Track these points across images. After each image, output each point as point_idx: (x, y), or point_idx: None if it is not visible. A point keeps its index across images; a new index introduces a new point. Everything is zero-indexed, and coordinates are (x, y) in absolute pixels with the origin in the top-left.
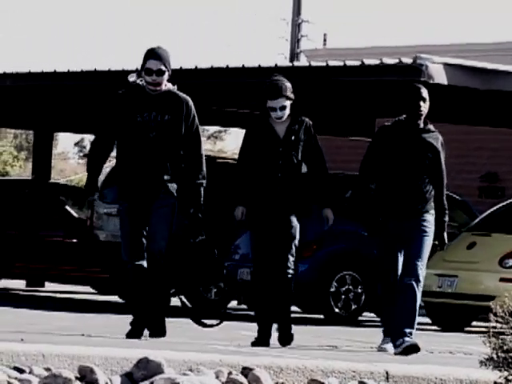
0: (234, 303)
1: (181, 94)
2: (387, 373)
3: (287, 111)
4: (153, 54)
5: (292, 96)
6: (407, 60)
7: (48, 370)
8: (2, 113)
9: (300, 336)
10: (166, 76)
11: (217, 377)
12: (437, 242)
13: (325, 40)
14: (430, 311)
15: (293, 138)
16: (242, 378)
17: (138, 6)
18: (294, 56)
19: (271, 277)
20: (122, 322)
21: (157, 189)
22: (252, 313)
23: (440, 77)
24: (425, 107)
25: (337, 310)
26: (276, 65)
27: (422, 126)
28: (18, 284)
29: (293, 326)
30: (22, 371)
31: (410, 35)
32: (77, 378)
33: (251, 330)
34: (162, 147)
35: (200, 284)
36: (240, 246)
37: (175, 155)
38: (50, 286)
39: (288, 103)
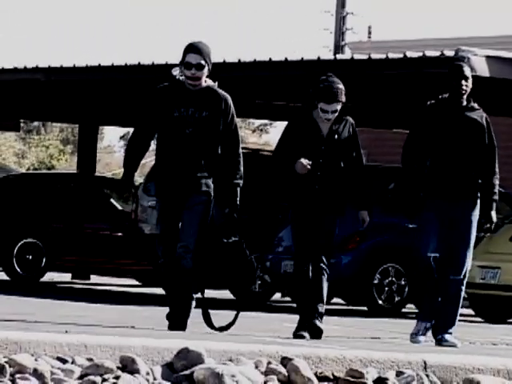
0: (277, 295)
1: (220, 91)
2: (425, 362)
3: (337, 113)
4: (193, 48)
5: (344, 99)
6: (449, 52)
7: (90, 360)
8: (48, 107)
9: (343, 328)
10: (206, 71)
11: (256, 367)
12: (483, 221)
13: (369, 32)
14: (473, 303)
15: (336, 137)
16: (281, 368)
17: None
18: (338, 49)
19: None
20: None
21: (191, 185)
22: (295, 305)
23: (482, 69)
24: (467, 85)
25: (380, 302)
26: (319, 58)
27: (465, 103)
28: (64, 277)
29: (337, 317)
30: (64, 361)
31: (456, 27)
32: (118, 367)
33: (294, 321)
34: (198, 143)
35: (231, 284)
36: (283, 238)
37: (212, 152)
38: (95, 279)
39: (340, 107)
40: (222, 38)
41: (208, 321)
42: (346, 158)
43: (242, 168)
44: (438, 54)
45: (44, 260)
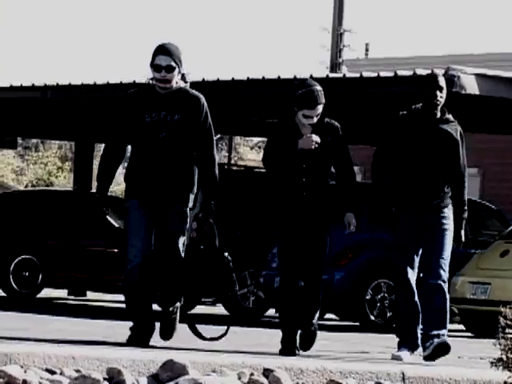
0: (271, 311)
1: (192, 91)
2: (403, 374)
3: (319, 116)
4: (162, 50)
5: (324, 100)
6: (439, 71)
7: (78, 371)
8: (45, 124)
9: (333, 342)
10: (177, 73)
11: (239, 378)
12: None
13: (367, 50)
14: (463, 318)
15: (321, 141)
16: (263, 379)
17: (177, 18)
18: (334, 66)
19: (298, 285)
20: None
21: (168, 192)
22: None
23: (472, 87)
24: (442, 96)
25: (372, 318)
26: (311, 75)
27: (439, 115)
28: (60, 293)
29: (328, 333)
30: (53, 372)
31: (458, 43)
32: (105, 379)
33: None
34: (172, 148)
35: (209, 290)
36: (277, 254)
37: (187, 157)
38: (91, 295)
39: (321, 109)
40: (216, 56)
41: (196, 332)
42: (333, 161)
43: (216, 172)
44: (428, 72)
45: (40, 276)
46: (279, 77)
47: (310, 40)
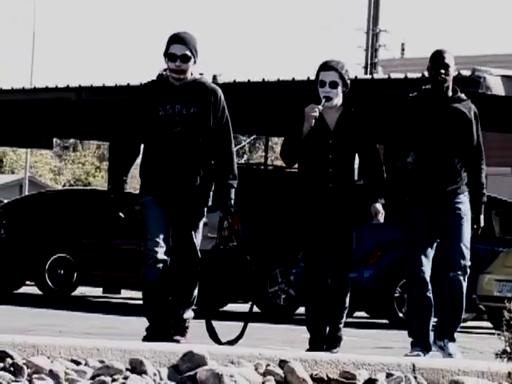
0: (302, 309)
1: (209, 83)
2: (414, 365)
3: (339, 94)
4: (177, 38)
5: (346, 77)
6: (466, 72)
7: (102, 362)
8: (80, 125)
9: (360, 339)
10: (192, 63)
11: (256, 369)
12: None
13: (403, 49)
14: (490, 315)
15: (344, 129)
16: (278, 370)
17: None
18: (370, 66)
19: (323, 280)
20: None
21: (184, 190)
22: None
23: (497, 88)
24: (447, 73)
25: (401, 315)
26: None
27: (450, 94)
28: (95, 291)
29: (357, 330)
30: (78, 363)
31: (493, 43)
32: (127, 369)
33: None
34: (188, 143)
35: (232, 291)
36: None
37: (204, 152)
38: (125, 293)
39: (340, 83)
40: (247, 57)
41: (213, 335)
42: (358, 151)
43: (235, 167)
44: (455, 73)
45: (75, 274)
46: (308, 78)
47: (347, 41)
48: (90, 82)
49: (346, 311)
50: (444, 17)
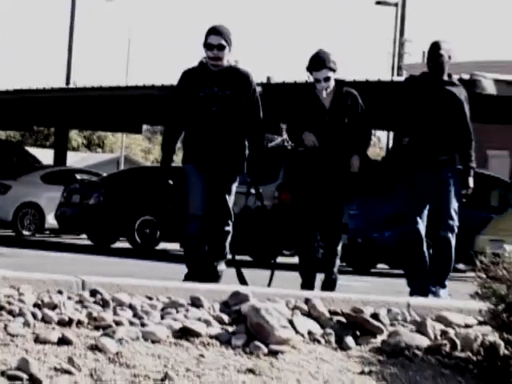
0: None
1: (242, 68)
2: (408, 303)
3: (332, 82)
4: (214, 30)
5: (335, 67)
6: (465, 76)
7: (169, 298)
8: (161, 114)
9: (374, 284)
10: (227, 51)
11: (286, 304)
12: (463, 189)
13: (424, 56)
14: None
15: (338, 107)
16: (303, 305)
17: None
18: (397, 69)
19: (316, 235)
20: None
21: (220, 158)
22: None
23: (491, 89)
24: (443, 59)
25: None
26: (354, 80)
27: (445, 78)
28: (175, 246)
29: (378, 278)
30: (151, 299)
31: (490, 50)
32: (188, 304)
33: (342, 280)
34: (223, 120)
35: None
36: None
37: (237, 127)
38: None
39: (331, 74)
40: (286, 59)
41: (242, 279)
42: (352, 126)
43: (263, 140)
44: (457, 76)
45: (158, 233)
46: (354, 80)
47: (378, 48)
48: (170, 81)
49: (338, 258)
50: (456, 27)
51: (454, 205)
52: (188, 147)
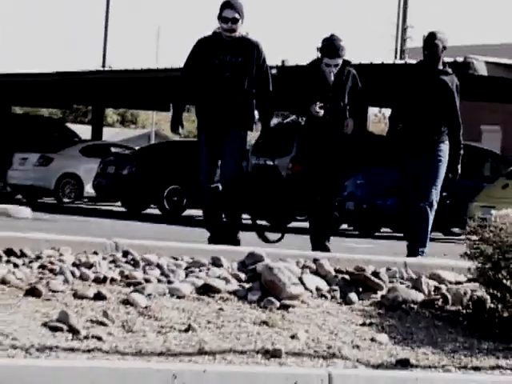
0: (343, 226)
1: (252, 39)
2: (405, 263)
3: (339, 67)
4: (228, 4)
5: (344, 54)
6: (460, 58)
7: (192, 258)
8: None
9: (377, 246)
10: (240, 23)
11: (297, 264)
12: (450, 174)
13: None
14: None
15: (341, 85)
16: (312, 264)
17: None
18: (399, 53)
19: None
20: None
21: (231, 118)
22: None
23: (482, 70)
24: (438, 48)
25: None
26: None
27: (440, 67)
28: (199, 212)
29: (382, 240)
30: (176, 259)
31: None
32: (210, 263)
33: (351, 242)
34: (235, 85)
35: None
36: (347, 186)
37: (248, 92)
38: None
39: (341, 61)
40: (280, 41)
41: (263, 236)
42: (350, 102)
43: (271, 105)
44: (451, 59)
45: (185, 201)
46: (360, 63)
47: (380, 32)
48: None
49: (330, 232)
50: (454, 13)
51: (438, 181)
52: (201, 115)
